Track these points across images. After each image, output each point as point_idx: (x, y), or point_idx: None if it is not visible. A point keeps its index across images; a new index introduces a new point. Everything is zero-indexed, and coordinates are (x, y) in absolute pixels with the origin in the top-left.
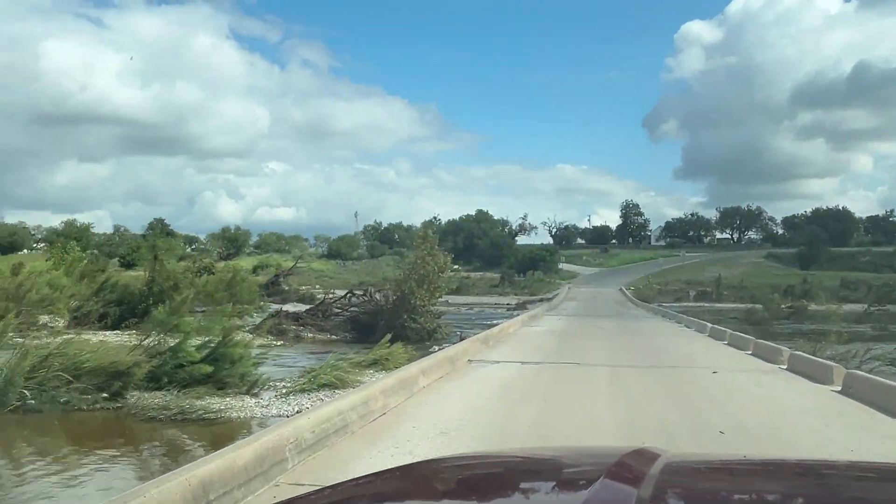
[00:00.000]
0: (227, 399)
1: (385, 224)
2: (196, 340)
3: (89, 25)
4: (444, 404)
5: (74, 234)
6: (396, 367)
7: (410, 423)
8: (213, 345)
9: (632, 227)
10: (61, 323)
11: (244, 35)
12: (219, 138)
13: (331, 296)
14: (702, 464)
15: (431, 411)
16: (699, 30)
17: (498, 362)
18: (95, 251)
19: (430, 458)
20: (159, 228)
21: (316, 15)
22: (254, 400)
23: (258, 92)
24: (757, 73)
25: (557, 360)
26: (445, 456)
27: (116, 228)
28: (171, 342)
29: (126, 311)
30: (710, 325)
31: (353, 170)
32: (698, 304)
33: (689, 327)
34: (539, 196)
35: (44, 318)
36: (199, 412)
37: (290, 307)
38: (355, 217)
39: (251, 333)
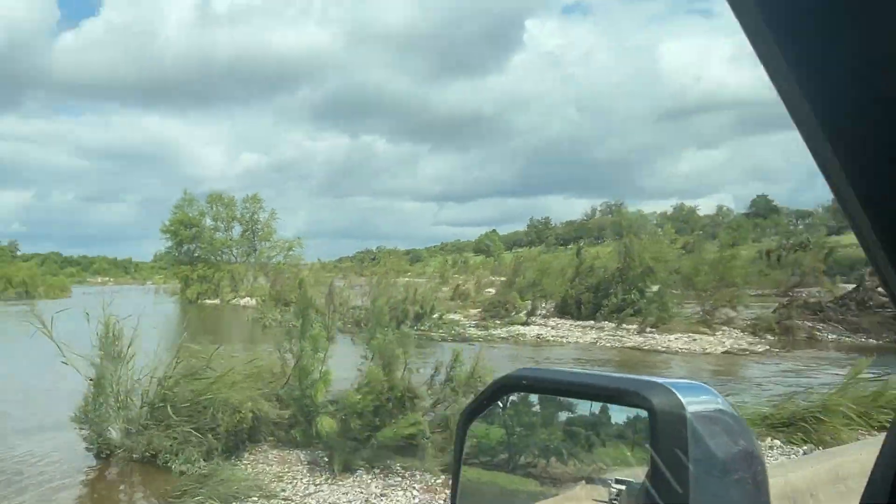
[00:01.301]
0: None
1: None
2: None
3: (699, 19)
4: None
5: (681, 218)
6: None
7: None
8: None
9: None
10: (540, 311)
11: None
12: None
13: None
14: None
15: None
16: None
17: None
18: (700, 232)
19: None
20: (763, 205)
21: None
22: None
23: None
24: None
25: None
26: None
27: (719, 209)
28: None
29: (600, 297)
30: None
31: None
32: None
33: None
34: None
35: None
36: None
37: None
38: None
39: (743, 332)
